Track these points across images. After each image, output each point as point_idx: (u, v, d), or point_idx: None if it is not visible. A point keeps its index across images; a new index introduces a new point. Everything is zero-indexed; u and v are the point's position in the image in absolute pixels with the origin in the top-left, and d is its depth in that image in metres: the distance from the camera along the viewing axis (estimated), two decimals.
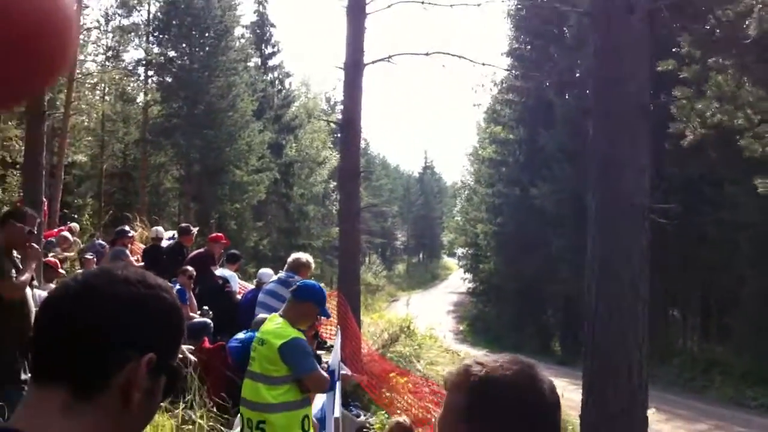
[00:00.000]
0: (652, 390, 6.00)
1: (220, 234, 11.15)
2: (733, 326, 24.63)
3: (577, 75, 32.42)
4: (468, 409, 1.31)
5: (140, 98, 32.17)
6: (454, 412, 1.34)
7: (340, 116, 13.16)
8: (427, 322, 18.40)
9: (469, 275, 48.92)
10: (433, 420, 7.09)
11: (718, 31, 7.70)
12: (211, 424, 6.05)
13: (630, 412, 5.61)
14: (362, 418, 8.70)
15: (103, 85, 29.05)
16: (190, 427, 5.75)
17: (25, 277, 4.64)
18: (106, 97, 29.96)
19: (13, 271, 4.65)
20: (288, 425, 4.53)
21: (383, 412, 8.99)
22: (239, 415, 6.05)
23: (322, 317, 5.40)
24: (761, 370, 20.41)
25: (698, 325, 28.13)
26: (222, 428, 6.27)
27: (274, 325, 4.70)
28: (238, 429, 5.78)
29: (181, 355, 7.11)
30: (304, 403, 4.66)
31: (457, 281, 59.46)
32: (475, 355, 1.41)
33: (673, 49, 11.81)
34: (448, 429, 1.35)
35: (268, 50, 43.38)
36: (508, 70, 35.80)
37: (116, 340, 1.06)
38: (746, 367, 21.14)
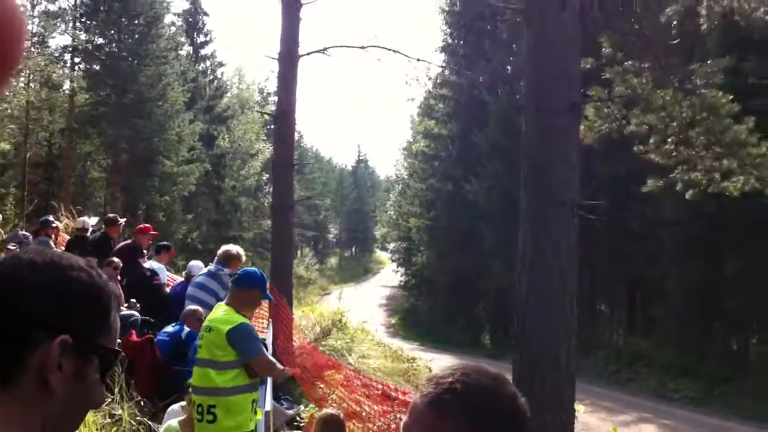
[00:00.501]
0: (578, 382, 6.14)
1: (148, 225, 10.91)
2: (657, 320, 25.42)
3: (509, 71, 32.92)
4: None
5: (66, 86, 31.23)
6: None
7: (273, 108, 13.02)
8: (359, 316, 18.42)
9: (401, 269, 49.17)
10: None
11: (644, 31, 7.87)
12: (138, 418, 5.92)
13: (558, 403, 5.72)
14: (293, 410, 8.66)
15: (27, 71, 28.12)
16: (116, 421, 5.61)
17: None
18: (31, 84, 29.02)
19: None
20: (238, 409, 4.64)
21: (314, 405, 8.96)
22: (170, 408, 5.96)
23: (266, 300, 5.48)
24: (683, 363, 21.13)
25: (624, 318, 28.91)
26: (149, 423, 6.14)
27: (221, 313, 4.80)
28: (170, 423, 5.68)
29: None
30: (253, 387, 4.77)
31: (389, 275, 59.70)
32: (447, 370, 1.34)
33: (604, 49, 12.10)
34: None
35: (201, 39, 42.65)
36: (442, 66, 36.01)
37: (22, 324, 1.03)
38: (669, 359, 21.84)
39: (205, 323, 4.90)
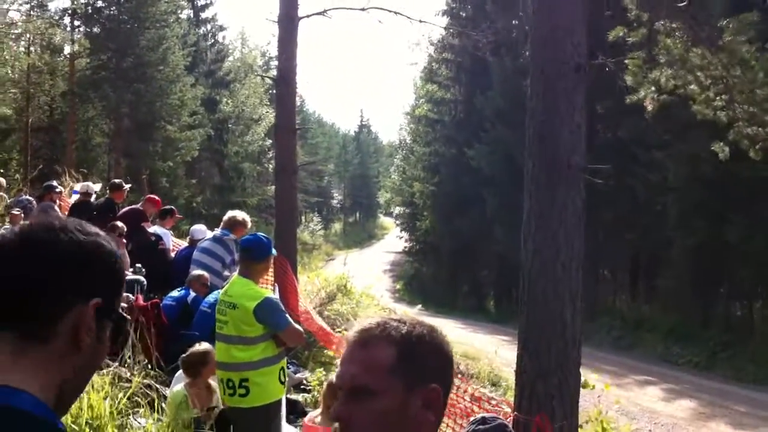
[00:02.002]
0: (582, 348, 6.14)
1: (158, 198, 10.91)
2: (660, 285, 25.44)
3: (513, 34, 32.59)
4: (398, 362, 1.39)
5: (67, 49, 31.00)
6: (382, 365, 1.40)
7: (275, 72, 12.91)
8: (364, 281, 18.45)
9: (405, 234, 49.23)
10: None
11: None
12: (146, 381, 5.95)
13: (564, 366, 5.73)
14: (299, 375, 8.72)
15: (27, 35, 27.90)
16: (125, 384, 5.65)
17: None
18: (32, 48, 28.81)
19: None
20: (269, 380, 4.73)
21: (321, 369, 9.01)
22: (177, 373, 6.00)
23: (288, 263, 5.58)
24: (687, 328, 21.19)
25: (627, 284, 28.96)
26: (157, 386, 6.18)
27: (242, 288, 4.82)
28: (177, 387, 5.72)
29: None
30: (281, 357, 4.86)
31: (393, 241, 59.78)
32: (374, 317, 1.51)
33: (607, 12, 11.92)
34: (375, 381, 1.39)
35: (201, 2, 42.21)
36: (445, 28, 35.67)
37: (60, 287, 1.12)
38: (673, 325, 21.89)
39: (225, 299, 4.90)
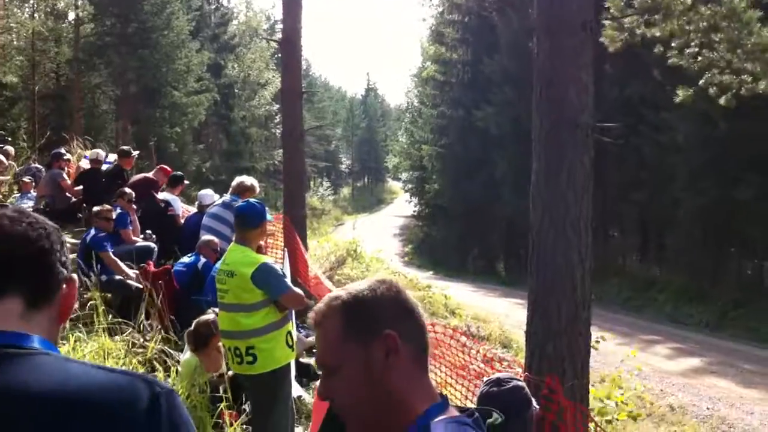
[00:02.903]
0: (593, 309, 6.14)
1: (170, 169, 10.91)
2: (670, 246, 25.42)
3: None
4: (346, 328, 1.46)
5: (71, 15, 30.80)
6: (334, 338, 1.47)
7: (280, 35, 12.81)
8: (374, 246, 18.52)
9: (414, 199, 49.20)
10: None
11: None
12: (159, 347, 6.01)
13: (574, 327, 5.74)
14: (311, 338, 8.77)
15: (31, 1, 27.74)
16: (140, 350, 5.71)
17: None
18: (36, 15, 28.66)
19: None
20: (276, 345, 4.74)
21: None
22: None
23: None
24: (697, 288, 21.22)
25: (637, 244, 28.94)
26: (170, 350, 6.24)
27: (239, 255, 4.82)
28: (189, 354, 5.78)
29: (130, 281, 7.01)
30: (285, 321, 4.86)
31: (402, 205, 59.82)
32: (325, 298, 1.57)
33: None
34: (334, 356, 1.47)
35: None
36: None
37: (56, 266, 1.33)
38: (683, 285, 21.92)
39: (224, 267, 4.91)
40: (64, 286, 1.34)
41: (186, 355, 5.91)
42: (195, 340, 5.70)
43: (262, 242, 6.67)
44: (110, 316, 5.39)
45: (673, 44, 8.53)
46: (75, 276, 1.37)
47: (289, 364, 4.93)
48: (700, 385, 12.34)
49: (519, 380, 3.20)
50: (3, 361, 1.19)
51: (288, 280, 4.96)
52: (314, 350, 8.42)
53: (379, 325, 1.45)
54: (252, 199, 5.18)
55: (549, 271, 5.82)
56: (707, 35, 8.07)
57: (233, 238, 5.12)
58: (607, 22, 8.47)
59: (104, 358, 4.92)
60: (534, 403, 3.24)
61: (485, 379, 3.36)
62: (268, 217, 5.14)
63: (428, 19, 45.35)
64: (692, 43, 8.33)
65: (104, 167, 10.92)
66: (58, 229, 1.37)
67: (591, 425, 5.66)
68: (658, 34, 8.17)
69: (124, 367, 5.10)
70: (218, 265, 7.18)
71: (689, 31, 8.15)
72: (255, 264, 4.71)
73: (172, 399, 1.22)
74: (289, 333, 4.88)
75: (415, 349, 1.48)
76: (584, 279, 5.82)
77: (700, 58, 8.39)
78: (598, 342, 9.78)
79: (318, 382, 5.86)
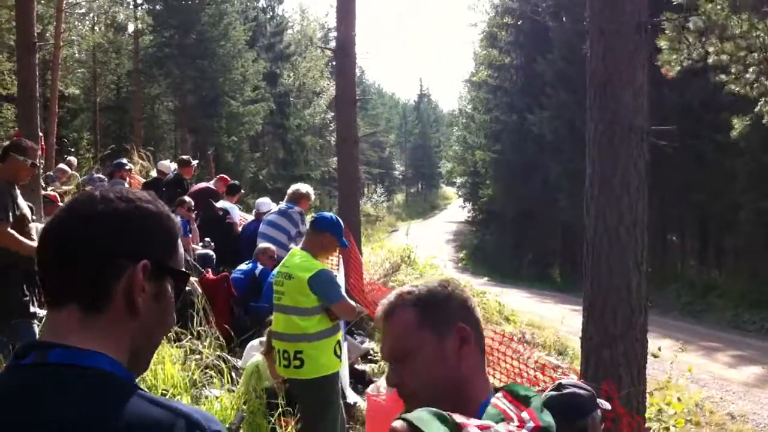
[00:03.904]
0: (650, 314, 6.06)
1: (228, 179, 11.14)
2: (729, 250, 24.81)
3: None
4: (421, 317, 1.58)
5: (131, 27, 31.58)
6: (408, 326, 1.58)
7: (334, 44, 12.93)
8: (427, 252, 18.49)
9: (468, 204, 48.95)
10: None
11: None
12: (216, 353, 6.14)
13: (630, 333, 5.68)
14: (366, 344, 8.84)
15: (92, 14, 28.50)
16: (197, 356, 5.84)
17: (27, 245, 4.60)
18: (96, 27, 29.43)
19: (15, 206, 4.66)
20: (323, 352, 4.79)
21: None
22: (249, 344, 6.16)
23: (341, 247, 5.55)
24: (758, 293, 20.63)
25: (696, 249, 28.32)
26: (227, 357, 6.37)
27: (298, 259, 4.88)
28: (256, 357, 5.87)
29: (188, 287, 7.18)
30: (335, 330, 4.91)
31: (456, 211, 59.50)
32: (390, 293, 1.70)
33: None
34: (408, 342, 1.57)
35: None
36: None
37: (109, 254, 1.16)
38: (743, 290, 21.36)
39: (282, 270, 4.97)
40: (124, 277, 1.17)
41: (253, 359, 6.02)
42: (269, 343, 5.80)
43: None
44: None
45: (732, 69, 8.35)
46: (144, 262, 1.18)
47: (337, 373, 4.95)
48: (761, 393, 12.02)
49: (582, 387, 3.19)
50: (47, 383, 1.09)
51: (342, 289, 5.01)
52: (370, 356, 8.48)
53: (452, 318, 1.59)
54: (334, 217, 5.18)
55: (604, 276, 5.78)
56: (766, 60, 7.89)
57: (290, 246, 5.20)
58: (663, 45, 8.34)
59: (163, 364, 5.05)
60: (597, 412, 3.22)
61: (553, 383, 3.37)
62: (344, 242, 5.13)
63: (480, 23, 45.18)
64: (750, 69, 8.14)
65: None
66: (118, 210, 1.20)
67: None
68: (715, 58, 8.01)
69: (183, 373, 5.22)
70: (277, 269, 7.34)
71: (746, 55, 7.98)
72: (313, 270, 4.76)
73: None
74: (338, 343, 4.92)
75: (478, 344, 1.62)
76: (640, 284, 5.76)
77: (756, 85, 8.21)
78: (659, 349, 9.64)
79: (380, 380, 5.91)
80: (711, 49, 8.04)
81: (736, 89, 8.43)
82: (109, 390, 1.10)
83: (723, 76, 8.51)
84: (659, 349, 9.75)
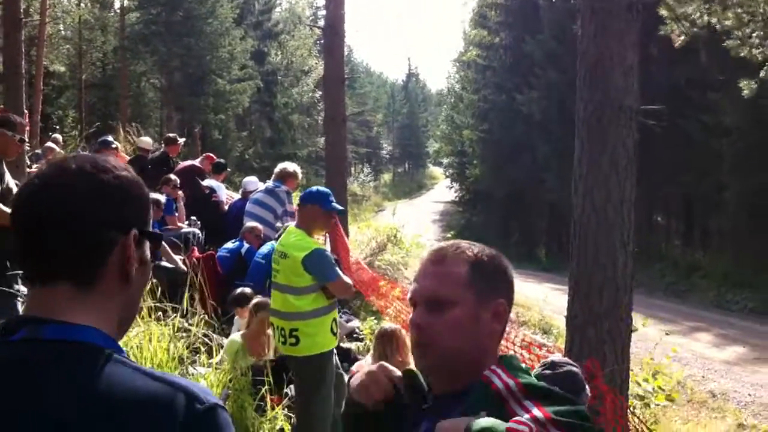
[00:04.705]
0: (635, 294, 6.11)
1: (214, 157, 11.09)
2: (714, 231, 24.98)
3: None
4: (471, 277, 1.56)
5: (117, 4, 31.23)
6: (458, 278, 1.56)
7: (323, 22, 12.85)
8: (414, 231, 18.52)
9: (455, 184, 49.00)
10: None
11: None
12: (203, 331, 6.14)
13: (615, 311, 5.72)
14: (352, 323, 8.86)
15: None
16: (184, 335, 5.84)
17: None
18: (82, 3, 29.10)
19: (2, 180, 4.62)
20: (319, 330, 4.81)
21: (373, 318, 9.15)
22: (236, 319, 6.19)
23: (337, 215, 5.54)
24: (741, 274, 20.81)
25: (681, 229, 28.49)
26: (214, 335, 6.37)
27: (293, 238, 4.88)
28: (233, 336, 5.90)
29: (172, 265, 7.14)
30: (331, 308, 4.91)
31: (443, 191, 59.58)
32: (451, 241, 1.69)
33: None
34: (454, 292, 1.55)
35: None
36: None
37: (101, 228, 1.15)
38: (727, 271, 21.54)
39: (279, 248, 4.97)
40: (117, 248, 1.17)
41: (231, 338, 6.05)
42: (235, 303, 5.86)
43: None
44: (156, 300, 5.52)
45: (736, 33, 8.37)
46: (134, 233, 1.19)
47: (332, 351, 4.97)
48: (742, 371, 12.17)
49: (574, 366, 3.22)
50: (43, 359, 1.09)
51: (338, 268, 5.01)
52: (355, 334, 8.49)
53: (496, 290, 1.60)
54: (315, 188, 5.16)
55: (590, 254, 5.80)
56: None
57: (285, 222, 5.18)
58: (664, 13, 8.34)
59: (149, 341, 5.05)
60: (587, 390, 3.26)
61: (541, 361, 3.39)
62: (334, 206, 4.99)
63: (470, 2, 45.01)
64: (754, 34, 8.16)
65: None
66: (106, 184, 1.18)
67: (630, 411, 5.64)
68: (726, 23, 8.01)
69: (170, 350, 5.21)
70: (262, 250, 7.33)
71: (749, 21, 7.99)
72: (308, 249, 4.75)
73: (213, 417, 1.11)
74: (334, 320, 4.94)
75: (504, 324, 1.63)
76: (626, 263, 5.79)
77: (762, 50, 8.22)
78: (644, 325, 9.70)
79: (367, 359, 5.92)
80: (713, 19, 8.05)
81: (742, 53, 8.43)
82: (106, 365, 1.09)
83: (729, 42, 8.51)
84: (643, 325, 9.84)
